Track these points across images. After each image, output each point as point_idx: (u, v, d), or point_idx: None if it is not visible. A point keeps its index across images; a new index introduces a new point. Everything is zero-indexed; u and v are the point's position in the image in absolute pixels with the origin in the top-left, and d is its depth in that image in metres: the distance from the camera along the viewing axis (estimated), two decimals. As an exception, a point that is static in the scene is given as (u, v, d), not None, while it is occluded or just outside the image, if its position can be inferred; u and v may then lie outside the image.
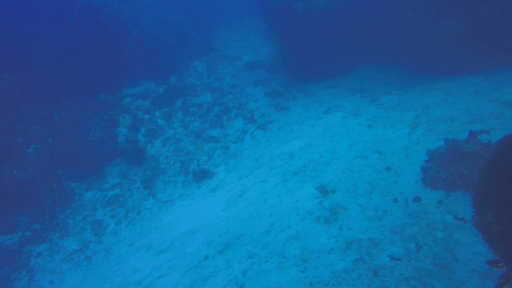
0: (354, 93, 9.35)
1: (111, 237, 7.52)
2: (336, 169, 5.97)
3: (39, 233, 7.73)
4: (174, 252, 5.90)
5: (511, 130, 5.51)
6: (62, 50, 10.78)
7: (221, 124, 10.60)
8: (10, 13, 11.15)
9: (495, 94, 6.74)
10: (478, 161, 4.63)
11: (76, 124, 9.70)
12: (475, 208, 1.94)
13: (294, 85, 11.24)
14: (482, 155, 4.67)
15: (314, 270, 3.86)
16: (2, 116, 8.71)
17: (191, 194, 8.30)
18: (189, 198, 8.13)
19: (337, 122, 7.96)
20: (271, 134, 9.12)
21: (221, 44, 15.05)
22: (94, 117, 10.43)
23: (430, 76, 8.86)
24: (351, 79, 10.37)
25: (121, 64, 12.69)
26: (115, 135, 10.58)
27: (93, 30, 11.51)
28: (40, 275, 6.67)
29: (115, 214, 8.38)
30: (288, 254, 4.30)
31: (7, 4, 11.23)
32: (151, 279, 5.32)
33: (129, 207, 8.60)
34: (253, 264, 4.40)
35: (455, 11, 8.22)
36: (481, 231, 1.89)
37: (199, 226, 6.43)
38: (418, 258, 3.63)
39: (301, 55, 11.01)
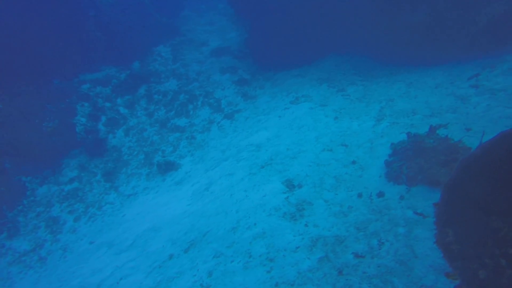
0: (321, 82, 9.35)
1: (68, 234, 7.11)
2: (303, 162, 5.96)
3: (-17, 234, 7.12)
4: (137, 250, 5.67)
5: (465, 124, 5.75)
6: (2, 29, 9.72)
7: (187, 113, 10.25)
8: None
9: (452, 89, 7.00)
10: (437, 156, 4.79)
11: (25, 113, 8.92)
12: (437, 226, 1.96)
13: (261, 73, 11.05)
14: (440, 150, 4.83)
15: (280, 269, 3.84)
16: None
17: (156, 187, 8.01)
18: (153, 192, 7.85)
19: (305, 113, 7.94)
20: (238, 124, 8.96)
21: (187, 28, 14.42)
22: (47, 105, 9.66)
23: (394, 67, 9.03)
24: (318, 68, 10.36)
25: (78, 47, 11.79)
26: (73, 125, 9.92)
27: (43, 9, 10.52)
28: (-19, 283, 6.17)
29: (73, 209, 7.92)
30: (254, 253, 4.24)
31: None
32: (112, 281, 5.09)
33: (89, 202, 8.16)
34: (219, 264, 4.31)
35: (415, 4, 8.33)
36: (442, 249, 1.91)
37: (164, 222, 6.22)
38: (380, 255, 3.71)
39: (269, 42, 10.79)
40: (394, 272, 3.47)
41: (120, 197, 8.13)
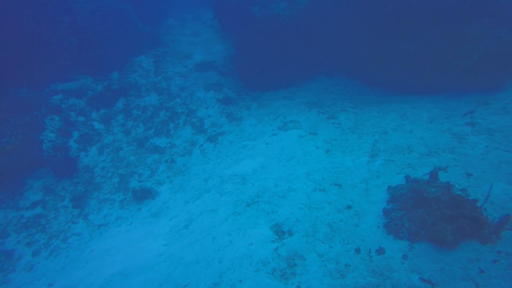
0: (310, 107, 8.95)
1: (23, 273, 6.26)
2: (293, 203, 5.46)
3: None
4: (103, 302, 4.97)
5: (465, 168, 5.45)
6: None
7: (167, 132, 9.59)
8: None
9: (447, 125, 6.73)
10: (441, 209, 4.41)
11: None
12: None
13: (248, 92, 10.55)
14: (444, 202, 4.46)
15: None
16: None
17: (130, 217, 7.29)
18: (127, 223, 7.13)
19: (294, 141, 7.48)
20: (222, 149, 8.38)
21: (170, 38, 13.77)
22: (9, 118, 8.74)
23: (386, 93, 8.74)
24: (307, 90, 9.98)
25: (49, 54, 10.93)
26: (39, 141, 9.03)
27: (9, 9, 9.64)
28: None
29: (33, 241, 7.07)
30: (239, 323, 3.68)
31: None
32: None
33: (52, 232, 7.34)
34: (198, 334, 3.71)
35: (404, 33, 8.08)
36: None
37: (137, 265, 5.54)
38: (385, 335, 3.24)
39: (256, 60, 10.31)
40: None
41: (89, 227, 7.36)
